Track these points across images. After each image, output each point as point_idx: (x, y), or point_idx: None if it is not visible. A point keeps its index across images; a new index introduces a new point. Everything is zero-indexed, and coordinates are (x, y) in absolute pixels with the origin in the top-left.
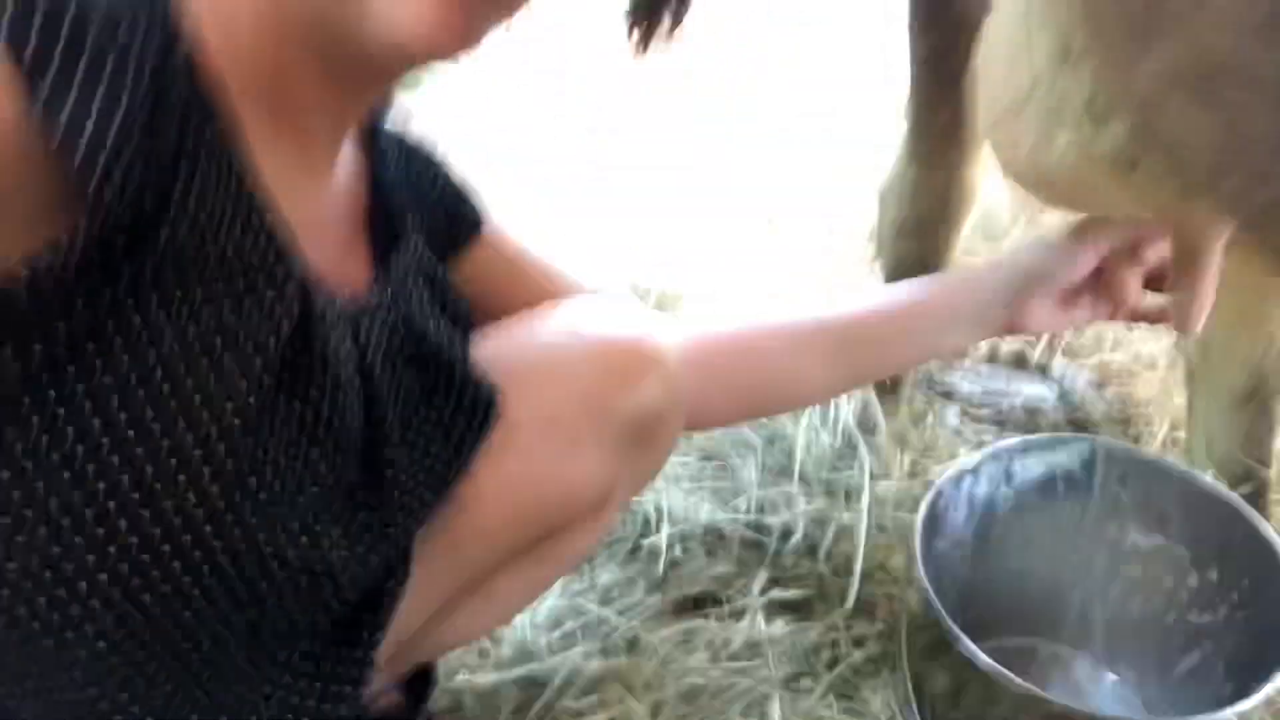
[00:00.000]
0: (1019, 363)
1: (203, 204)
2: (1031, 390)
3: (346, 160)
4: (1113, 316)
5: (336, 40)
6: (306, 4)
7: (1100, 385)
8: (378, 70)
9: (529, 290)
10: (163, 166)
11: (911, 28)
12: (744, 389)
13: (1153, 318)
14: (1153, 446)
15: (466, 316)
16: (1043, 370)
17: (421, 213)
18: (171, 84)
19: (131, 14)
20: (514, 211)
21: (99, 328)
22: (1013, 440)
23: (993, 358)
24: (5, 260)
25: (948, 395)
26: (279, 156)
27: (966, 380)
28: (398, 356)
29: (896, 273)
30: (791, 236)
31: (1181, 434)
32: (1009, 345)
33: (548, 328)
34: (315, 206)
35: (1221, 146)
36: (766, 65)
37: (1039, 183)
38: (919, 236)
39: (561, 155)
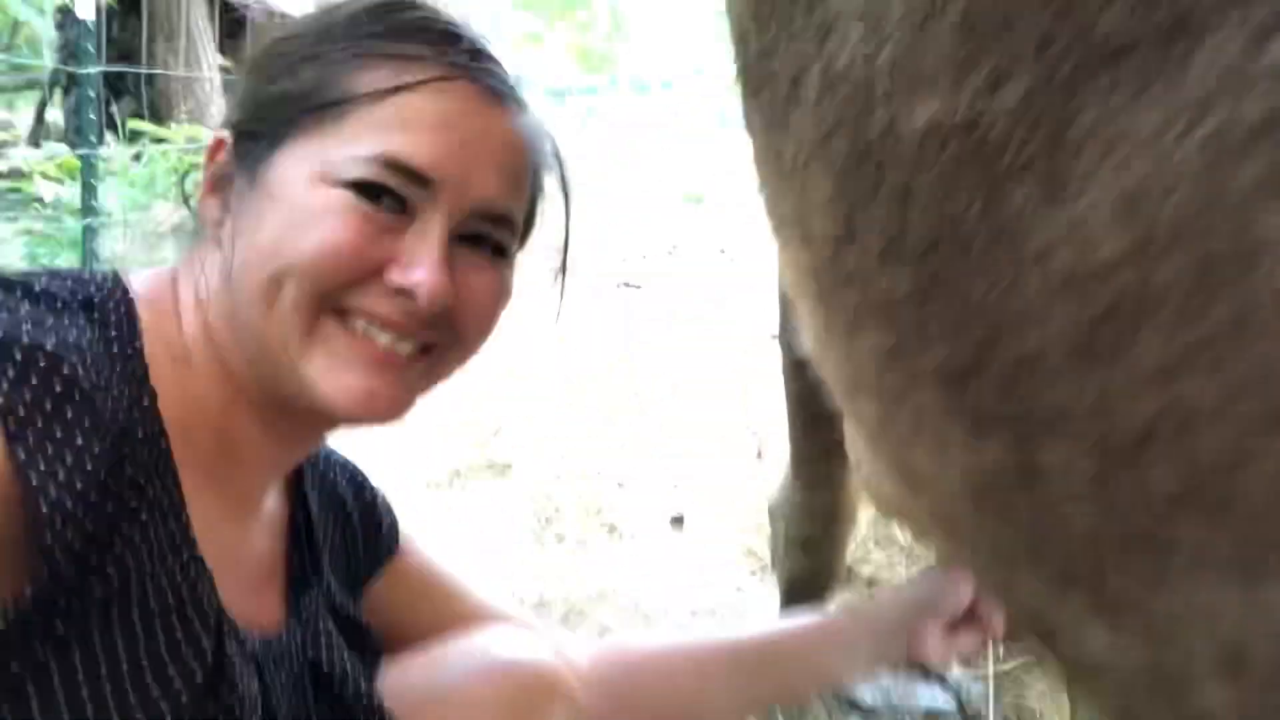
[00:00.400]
0: (918, 669)
1: (136, 556)
2: (931, 700)
3: (270, 499)
4: (994, 636)
5: (279, 403)
6: (254, 372)
7: (995, 692)
8: (314, 428)
9: (441, 610)
10: (111, 522)
11: (784, 370)
12: (651, 714)
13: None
14: None
15: (376, 649)
16: (941, 679)
17: (340, 541)
18: (131, 445)
19: (107, 377)
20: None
21: (19, 686)
22: None
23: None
24: None
25: (852, 706)
26: (211, 499)
27: (869, 691)
28: (303, 696)
29: (792, 584)
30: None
31: None
32: None
33: (454, 660)
34: (237, 546)
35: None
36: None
37: (904, 517)
38: (809, 551)
39: None
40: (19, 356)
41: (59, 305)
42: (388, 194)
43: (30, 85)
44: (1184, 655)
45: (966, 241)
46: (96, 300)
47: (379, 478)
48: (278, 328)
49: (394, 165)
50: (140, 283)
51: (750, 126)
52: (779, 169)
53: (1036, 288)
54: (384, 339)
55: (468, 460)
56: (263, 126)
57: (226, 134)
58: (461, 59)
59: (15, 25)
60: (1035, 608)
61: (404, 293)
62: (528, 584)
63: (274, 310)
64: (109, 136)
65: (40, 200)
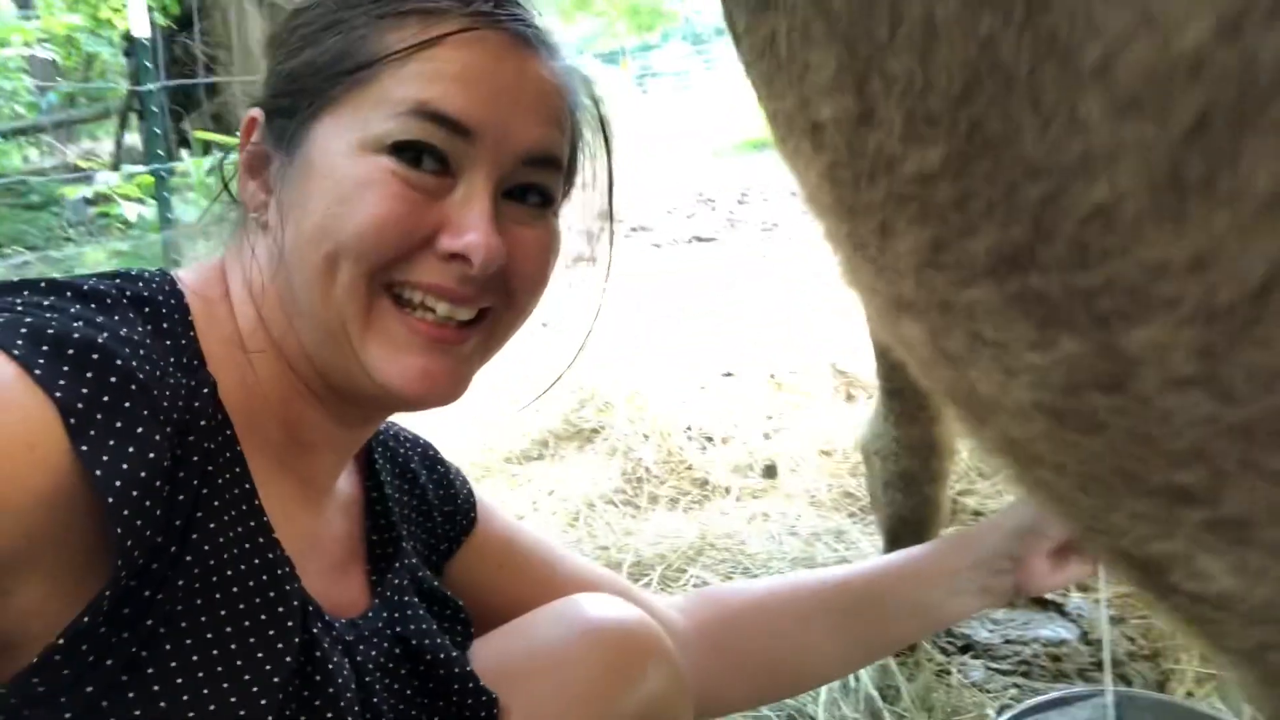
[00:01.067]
0: (1035, 602)
1: (214, 545)
2: (1051, 632)
3: (343, 481)
4: None
5: (339, 388)
6: (314, 357)
7: (1120, 619)
8: (376, 410)
9: (530, 579)
10: (183, 512)
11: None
12: (756, 669)
13: None
14: (1183, 685)
15: (464, 621)
16: (1060, 609)
17: (417, 518)
18: (195, 434)
19: (162, 368)
20: None
21: (115, 680)
22: (1032, 701)
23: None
24: (41, 630)
25: (967, 647)
26: (283, 485)
27: (984, 628)
28: (395, 674)
29: (894, 524)
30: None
31: (1212, 669)
32: None
33: (544, 626)
34: (315, 530)
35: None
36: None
37: None
38: (908, 488)
39: None
40: (72, 353)
41: (108, 302)
42: (428, 153)
43: (108, 114)
44: None
45: (1008, 71)
46: (145, 295)
47: (467, 455)
48: (337, 311)
49: (430, 115)
50: (189, 275)
51: (735, 33)
52: (774, 61)
53: (1101, 111)
54: (441, 307)
55: (554, 429)
56: (294, 101)
57: (258, 113)
58: (486, 7)
59: (89, 60)
60: (1138, 538)
61: (457, 258)
62: (623, 546)
63: (332, 293)
64: (184, 153)
65: (125, 221)
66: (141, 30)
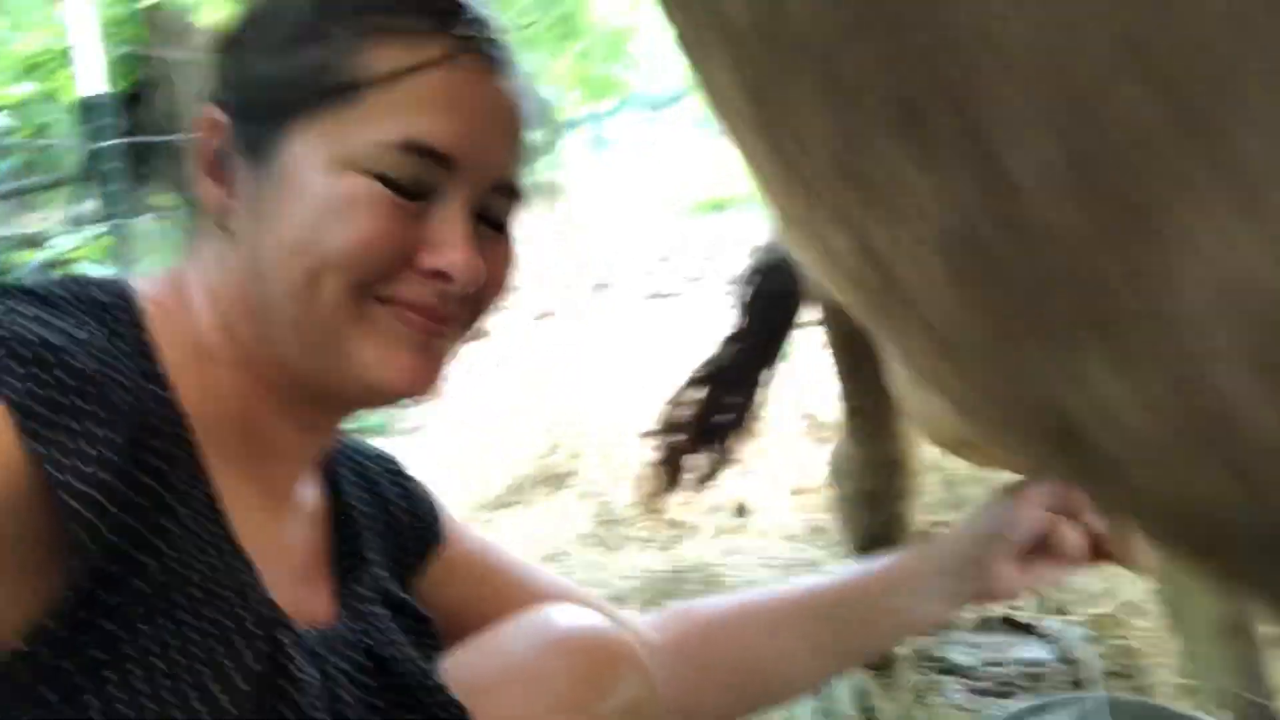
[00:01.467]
0: (1011, 625)
1: (174, 549)
2: (1028, 653)
3: (306, 492)
4: (1073, 565)
5: (314, 391)
6: (292, 363)
7: (1095, 639)
8: (339, 411)
9: (501, 594)
10: (142, 515)
11: (825, 317)
12: (729, 678)
13: (1111, 557)
14: (1162, 698)
15: (433, 634)
16: (1035, 630)
17: (382, 531)
18: (150, 438)
19: (118, 370)
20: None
21: (74, 685)
22: (1014, 707)
23: (984, 623)
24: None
25: (946, 670)
26: (245, 492)
27: (961, 651)
28: (365, 686)
29: (861, 542)
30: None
31: (1190, 680)
32: (998, 608)
33: (514, 638)
34: (278, 539)
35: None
36: None
37: (960, 446)
38: (873, 507)
39: None
40: (27, 354)
41: (62, 305)
42: (412, 180)
43: (62, 182)
44: (1216, 367)
45: None
46: (101, 300)
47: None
48: (324, 322)
49: (417, 149)
50: (145, 283)
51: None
52: None
53: None
54: (420, 323)
55: (525, 475)
56: (265, 108)
57: (220, 114)
58: (468, 30)
59: (40, 128)
60: (1051, 399)
61: (438, 275)
62: (598, 581)
63: (314, 305)
64: (148, 218)
65: None
66: (95, 88)
